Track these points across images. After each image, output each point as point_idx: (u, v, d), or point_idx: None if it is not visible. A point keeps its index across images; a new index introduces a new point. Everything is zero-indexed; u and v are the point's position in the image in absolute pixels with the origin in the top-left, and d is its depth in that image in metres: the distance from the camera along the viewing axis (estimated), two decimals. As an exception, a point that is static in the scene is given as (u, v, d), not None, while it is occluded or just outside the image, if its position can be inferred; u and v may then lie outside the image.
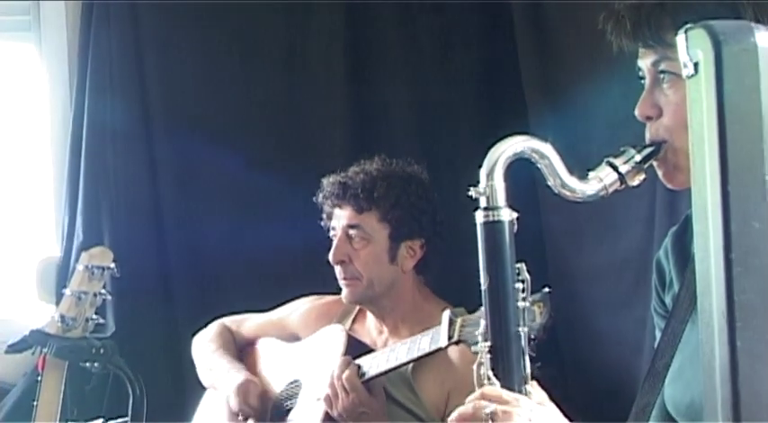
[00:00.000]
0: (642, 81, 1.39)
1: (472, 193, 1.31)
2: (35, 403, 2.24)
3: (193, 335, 2.78)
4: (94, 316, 2.29)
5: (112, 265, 2.30)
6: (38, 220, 3.30)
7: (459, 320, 2.14)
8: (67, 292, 2.29)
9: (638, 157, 1.34)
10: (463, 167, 2.62)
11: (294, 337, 2.64)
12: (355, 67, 3.13)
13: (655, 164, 1.37)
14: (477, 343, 1.32)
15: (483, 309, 1.32)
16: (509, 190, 1.30)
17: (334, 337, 2.44)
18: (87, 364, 2.29)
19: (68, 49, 3.20)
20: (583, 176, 1.33)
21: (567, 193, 1.33)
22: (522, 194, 1.37)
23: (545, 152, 1.31)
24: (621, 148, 1.36)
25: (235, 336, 2.76)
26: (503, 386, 1.28)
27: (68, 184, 3.12)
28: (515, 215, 1.31)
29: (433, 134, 3.10)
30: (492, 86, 3.07)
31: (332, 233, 2.50)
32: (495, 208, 1.30)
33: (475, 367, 1.30)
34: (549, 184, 1.32)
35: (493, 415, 1.25)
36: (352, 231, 2.45)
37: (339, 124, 3.13)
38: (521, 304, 1.30)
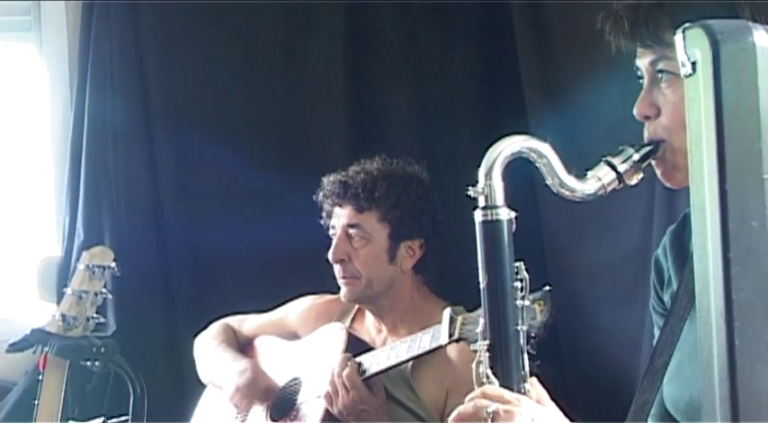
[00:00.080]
0: (640, 81, 1.39)
1: (471, 192, 1.31)
2: (36, 402, 2.24)
3: (194, 334, 2.79)
4: (95, 315, 2.29)
5: (113, 265, 2.30)
6: (39, 220, 3.30)
7: (459, 318, 2.15)
8: (68, 291, 2.29)
9: (636, 157, 1.35)
10: (462, 167, 2.62)
11: (294, 336, 2.65)
12: (355, 66, 3.13)
13: (653, 163, 1.37)
14: (476, 341, 1.32)
15: (482, 308, 1.32)
16: (508, 189, 1.31)
17: (334, 335, 2.44)
18: (88, 363, 2.29)
19: (69, 50, 3.20)
20: (581, 176, 1.34)
21: (566, 193, 1.33)
22: (521, 193, 1.37)
23: (543, 152, 1.31)
24: (620, 148, 1.36)
25: (236, 334, 2.76)
26: (501, 385, 1.29)
27: (69, 184, 3.13)
28: (514, 214, 1.31)
29: (432, 134, 3.10)
30: (491, 86, 3.07)
31: (332, 232, 2.51)
32: (493, 207, 1.30)
33: (474, 366, 1.30)
34: (548, 183, 1.33)
35: (494, 414, 1.25)
36: (351, 230, 2.46)
37: (339, 124, 3.13)
38: (519, 303, 1.31)
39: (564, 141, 1.40)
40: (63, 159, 3.16)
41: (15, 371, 3.06)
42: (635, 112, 1.38)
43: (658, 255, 1.51)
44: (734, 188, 1.02)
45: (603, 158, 1.35)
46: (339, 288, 2.51)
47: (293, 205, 2.90)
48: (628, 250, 2.55)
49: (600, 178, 1.34)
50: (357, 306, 2.59)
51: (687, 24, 1.06)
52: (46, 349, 2.26)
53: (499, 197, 1.30)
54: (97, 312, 2.30)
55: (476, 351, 1.31)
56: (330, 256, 2.47)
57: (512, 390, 1.29)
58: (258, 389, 2.51)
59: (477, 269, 1.32)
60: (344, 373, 2.28)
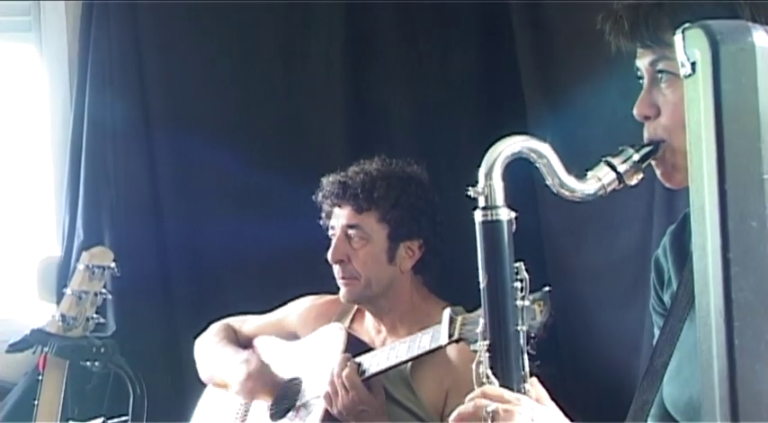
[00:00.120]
0: (640, 81, 1.39)
1: (471, 192, 1.31)
2: (36, 402, 2.24)
3: (193, 334, 2.79)
4: (95, 315, 2.29)
5: (113, 265, 2.31)
6: (38, 220, 3.30)
7: (459, 319, 2.15)
8: (68, 291, 2.29)
9: (636, 157, 1.35)
10: (462, 167, 2.63)
11: (294, 337, 2.65)
12: (354, 67, 3.13)
13: (653, 163, 1.37)
14: (476, 341, 1.32)
15: (482, 308, 1.33)
16: (507, 189, 1.31)
17: (333, 336, 2.44)
18: (88, 364, 2.29)
19: (68, 50, 3.20)
20: (581, 176, 1.34)
21: (566, 193, 1.33)
22: (521, 194, 1.37)
23: (543, 152, 1.31)
24: (620, 148, 1.36)
25: (237, 334, 2.77)
26: (501, 385, 1.29)
27: (69, 184, 3.13)
28: (514, 214, 1.31)
29: (431, 134, 3.10)
30: (491, 86, 3.07)
31: (331, 232, 2.51)
32: (493, 207, 1.30)
33: (474, 366, 1.30)
34: (548, 183, 1.33)
35: (494, 414, 1.25)
36: (351, 231, 2.46)
37: (338, 124, 3.14)
38: (519, 303, 1.31)
39: (563, 142, 1.40)
40: (63, 159, 3.16)
41: (15, 371, 3.06)
42: (635, 112, 1.38)
43: (658, 255, 1.51)
44: (733, 188, 1.02)
45: (603, 159, 1.35)
46: (338, 288, 2.51)
47: (293, 206, 2.90)
48: (627, 250, 2.55)
49: (600, 178, 1.34)
50: (356, 306, 2.59)
51: (687, 25, 1.06)
52: (46, 349, 2.26)
53: (499, 197, 1.30)
54: (97, 313, 2.30)
55: (476, 351, 1.31)
56: (329, 256, 2.47)
57: (512, 390, 1.29)
58: (266, 375, 2.52)
59: (477, 269, 1.32)
60: (344, 374, 2.28)
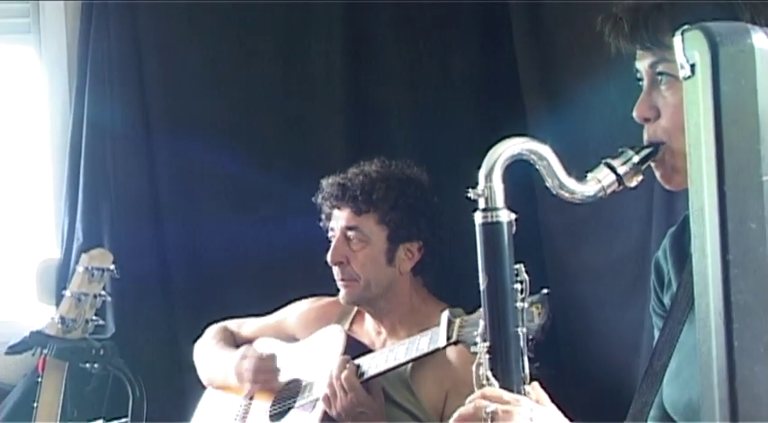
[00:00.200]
0: (640, 83, 1.39)
1: (471, 194, 1.31)
2: (35, 404, 2.24)
3: (193, 336, 2.79)
4: (94, 317, 2.30)
5: (112, 267, 2.31)
6: (38, 222, 3.30)
7: (457, 321, 2.15)
8: (67, 293, 2.30)
9: (636, 159, 1.35)
10: (461, 167, 2.63)
11: (293, 339, 2.65)
12: (354, 67, 3.13)
13: (653, 165, 1.37)
14: (475, 343, 1.33)
15: (482, 309, 1.33)
16: (507, 191, 1.31)
17: (333, 338, 2.45)
18: (87, 366, 2.30)
19: (68, 52, 3.20)
20: (581, 178, 1.34)
21: (566, 195, 1.33)
22: (521, 195, 1.38)
23: (543, 153, 1.32)
24: (619, 150, 1.36)
25: (235, 336, 2.77)
26: (501, 386, 1.29)
27: (68, 186, 3.12)
28: (514, 216, 1.31)
29: (431, 135, 3.10)
30: (490, 87, 3.07)
31: (330, 234, 2.51)
32: (493, 209, 1.30)
33: (474, 368, 1.31)
34: (548, 185, 1.33)
35: (493, 414, 1.25)
36: (350, 233, 2.46)
37: (338, 124, 3.13)
38: (519, 305, 1.31)
39: (563, 143, 1.40)
40: (62, 161, 3.15)
41: (14, 373, 3.05)
42: (634, 114, 1.38)
43: (658, 257, 1.51)
44: (733, 190, 1.02)
45: (603, 160, 1.35)
46: (338, 290, 2.51)
47: (292, 206, 2.90)
48: (627, 251, 2.55)
49: (600, 180, 1.34)
50: (356, 308, 2.59)
51: (686, 26, 1.06)
52: (45, 351, 2.26)
53: (499, 199, 1.31)
54: (96, 315, 2.30)
55: (475, 353, 1.31)
56: (329, 258, 2.47)
57: (512, 391, 1.29)
58: (267, 362, 2.52)
59: (477, 271, 1.32)
60: (343, 376, 2.28)
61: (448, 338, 2.15)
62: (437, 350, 2.19)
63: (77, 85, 3.12)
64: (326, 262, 2.48)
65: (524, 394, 1.30)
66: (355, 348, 2.40)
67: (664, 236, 1.51)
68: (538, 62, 2.86)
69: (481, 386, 1.29)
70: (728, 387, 1.01)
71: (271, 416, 2.52)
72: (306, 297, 2.71)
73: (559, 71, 2.78)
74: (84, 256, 2.33)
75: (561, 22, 2.76)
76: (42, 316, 2.82)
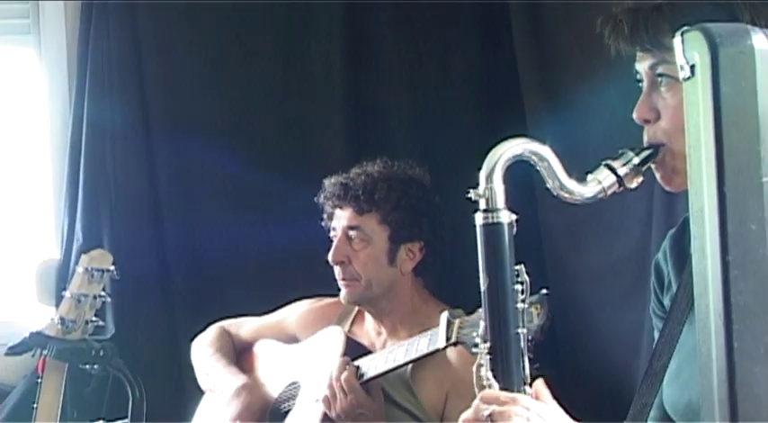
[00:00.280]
0: (640, 84, 1.39)
1: (471, 195, 1.31)
2: (35, 405, 2.24)
3: (193, 337, 2.79)
4: (94, 318, 2.29)
5: (112, 268, 2.31)
6: (37, 223, 3.30)
7: (456, 322, 2.15)
8: (67, 294, 2.29)
9: (636, 160, 1.35)
10: (461, 168, 2.63)
11: (293, 340, 2.65)
12: (354, 67, 3.13)
13: (653, 166, 1.37)
14: (475, 344, 1.33)
15: (482, 310, 1.33)
16: (508, 191, 1.31)
17: (332, 339, 2.44)
18: (87, 367, 2.29)
19: (68, 52, 3.19)
20: (581, 179, 1.34)
21: (566, 196, 1.33)
22: (520, 195, 1.38)
23: (544, 154, 1.32)
24: (620, 151, 1.36)
25: (233, 339, 2.76)
26: (502, 388, 1.29)
27: (68, 187, 3.12)
28: (515, 217, 1.31)
29: (430, 134, 3.10)
30: (490, 87, 3.07)
31: (332, 234, 2.51)
32: (494, 210, 1.30)
33: (474, 369, 1.31)
34: (548, 186, 1.33)
35: (491, 416, 1.25)
36: (352, 232, 2.46)
37: (337, 124, 3.14)
38: (520, 306, 1.31)
39: (562, 144, 1.40)
40: (62, 162, 3.15)
41: (14, 374, 3.05)
42: (634, 115, 1.38)
43: (658, 258, 1.51)
44: (733, 191, 1.02)
45: (604, 162, 1.35)
46: (338, 290, 2.51)
47: (292, 206, 2.91)
48: (627, 253, 2.55)
49: (600, 181, 1.34)
50: (356, 309, 2.59)
51: (686, 28, 1.06)
52: (45, 352, 2.26)
53: (500, 200, 1.31)
54: (96, 315, 2.30)
55: (476, 354, 1.31)
56: (330, 257, 2.47)
57: (512, 392, 1.29)
58: (253, 402, 2.51)
59: (478, 272, 1.32)
60: (343, 377, 2.28)
61: (447, 339, 2.15)
62: (437, 351, 2.19)
63: (77, 85, 3.12)
64: (327, 262, 2.48)
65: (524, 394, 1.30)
66: (355, 350, 2.40)
67: (664, 237, 1.52)
68: (538, 62, 2.86)
69: (482, 387, 1.30)
70: (728, 388, 1.01)
71: (271, 417, 2.52)
72: (306, 297, 2.71)
73: (559, 72, 2.78)
74: (83, 256, 2.33)
75: (561, 23, 2.76)
76: (42, 317, 2.82)
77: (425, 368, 2.33)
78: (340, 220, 2.49)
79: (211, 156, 3.08)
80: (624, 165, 1.34)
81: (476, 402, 1.28)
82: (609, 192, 1.34)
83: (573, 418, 1.34)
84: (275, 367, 2.62)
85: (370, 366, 2.31)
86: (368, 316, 2.56)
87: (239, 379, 2.57)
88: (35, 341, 2.28)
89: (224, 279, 3.10)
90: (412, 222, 2.45)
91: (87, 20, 3.11)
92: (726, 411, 1.01)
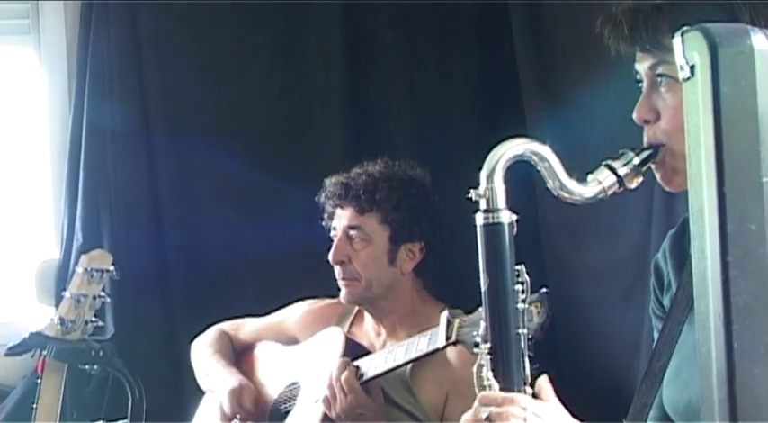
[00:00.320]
0: (640, 84, 1.39)
1: (472, 195, 1.31)
2: (35, 405, 2.24)
3: (192, 337, 2.79)
4: (94, 318, 2.29)
5: (111, 268, 2.31)
6: (37, 223, 3.30)
7: (456, 321, 2.15)
8: (67, 294, 2.29)
9: (636, 161, 1.35)
10: (460, 168, 2.63)
11: (292, 341, 2.65)
12: (353, 67, 3.13)
13: (653, 167, 1.37)
14: (475, 344, 1.33)
15: (482, 310, 1.33)
16: (508, 191, 1.31)
17: (332, 340, 2.44)
18: (87, 367, 2.29)
19: (68, 52, 3.19)
20: (582, 179, 1.34)
21: (566, 196, 1.33)
22: (520, 195, 1.38)
23: (544, 155, 1.32)
24: (620, 151, 1.37)
25: (232, 340, 2.76)
26: (502, 388, 1.29)
27: (68, 187, 3.12)
28: (515, 217, 1.32)
29: (430, 134, 3.11)
30: (490, 88, 3.07)
31: (332, 233, 2.51)
32: (494, 210, 1.30)
33: (475, 369, 1.31)
34: (549, 186, 1.33)
35: (489, 416, 1.26)
36: (352, 232, 2.46)
37: (337, 124, 3.14)
38: (520, 306, 1.31)
39: (562, 144, 1.40)
40: (62, 162, 3.15)
41: (14, 374, 3.05)
42: (634, 116, 1.38)
43: (658, 259, 1.51)
44: (732, 191, 1.02)
45: (604, 162, 1.35)
46: (338, 289, 2.51)
47: (292, 206, 2.91)
48: (627, 253, 2.55)
49: (600, 182, 1.34)
50: (356, 310, 2.59)
51: (686, 28, 1.06)
52: (44, 353, 2.26)
53: (501, 200, 1.31)
54: (95, 316, 2.30)
55: (476, 354, 1.31)
56: (330, 257, 2.47)
57: (512, 392, 1.29)
58: (249, 403, 2.51)
59: (479, 272, 1.32)
60: (342, 377, 2.28)
61: (447, 339, 2.15)
62: (436, 351, 2.19)
63: (77, 85, 3.12)
64: (327, 261, 2.48)
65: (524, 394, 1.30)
66: (355, 350, 2.40)
67: (663, 237, 1.52)
68: (537, 63, 2.86)
69: (482, 387, 1.30)
70: (728, 388, 1.01)
71: (271, 418, 2.52)
72: (306, 297, 2.71)
73: (559, 72, 2.78)
74: (83, 257, 2.33)
75: (561, 23, 2.76)
76: (42, 317, 2.82)
77: (425, 368, 2.33)
78: (341, 219, 2.49)
79: (211, 156, 3.08)
80: (624, 165, 1.35)
81: (475, 404, 1.29)
82: (609, 192, 1.34)
83: (574, 416, 1.34)
84: (275, 368, 2.62)
85: (370, 366, 2.31)
86: (367, 316, 2.56)
87: (236, 379, 2.57)
88: (35, 341, 2.28)
89: (224, 279, 3.10)
90: (412, 222, 2.45)
91: (87, 20, 3.11)
92: (725, 411, 1.01)
